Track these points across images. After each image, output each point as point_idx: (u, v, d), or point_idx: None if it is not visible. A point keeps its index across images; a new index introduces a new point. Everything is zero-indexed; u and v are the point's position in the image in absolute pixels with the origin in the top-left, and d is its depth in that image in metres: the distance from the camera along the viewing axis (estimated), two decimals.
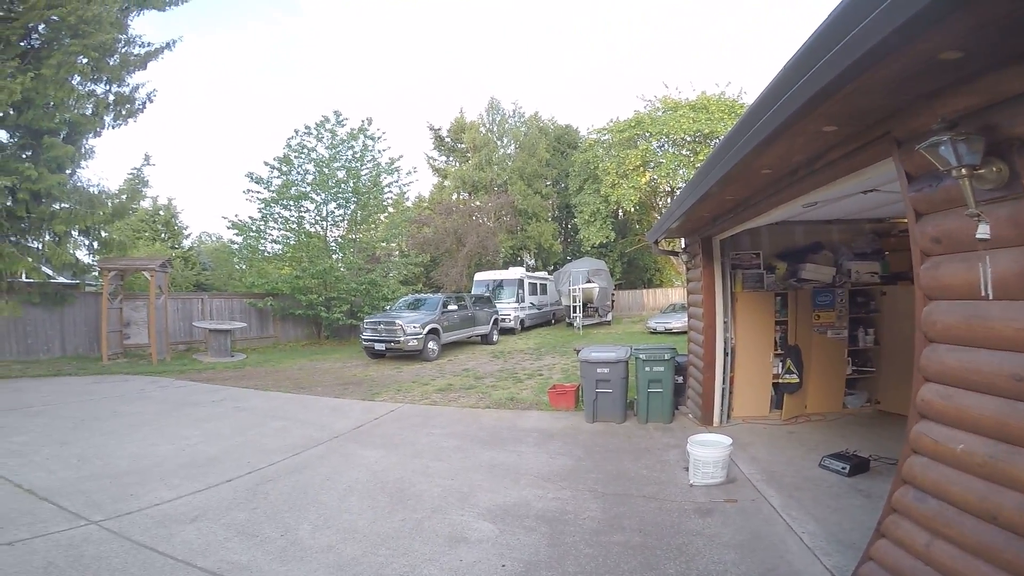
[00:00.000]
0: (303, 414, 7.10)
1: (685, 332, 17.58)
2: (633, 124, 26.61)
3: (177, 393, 8.56)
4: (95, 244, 12.86)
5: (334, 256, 17.79)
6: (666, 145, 26.44)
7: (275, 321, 17.12)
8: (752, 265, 6.35)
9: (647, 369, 6.20)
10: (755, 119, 2.56)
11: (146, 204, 26.06)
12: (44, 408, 7.09)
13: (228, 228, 17.22)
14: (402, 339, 12.23)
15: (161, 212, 28.17)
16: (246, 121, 75.40)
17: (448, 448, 5.47)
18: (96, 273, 12.74)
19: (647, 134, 26.20)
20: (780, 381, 6.13)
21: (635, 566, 3.04)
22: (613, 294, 24.64)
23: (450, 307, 14.47)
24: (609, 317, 23.16)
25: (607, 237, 28.93)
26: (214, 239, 31.21)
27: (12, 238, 11.15)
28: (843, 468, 4.36)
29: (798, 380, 6.05)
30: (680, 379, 6.80)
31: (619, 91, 73.24)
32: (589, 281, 21.04)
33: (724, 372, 6.08)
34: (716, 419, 6.17)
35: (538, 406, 7.46)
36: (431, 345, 12.89)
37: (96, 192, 12.48)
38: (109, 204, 12.47)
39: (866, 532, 3.02)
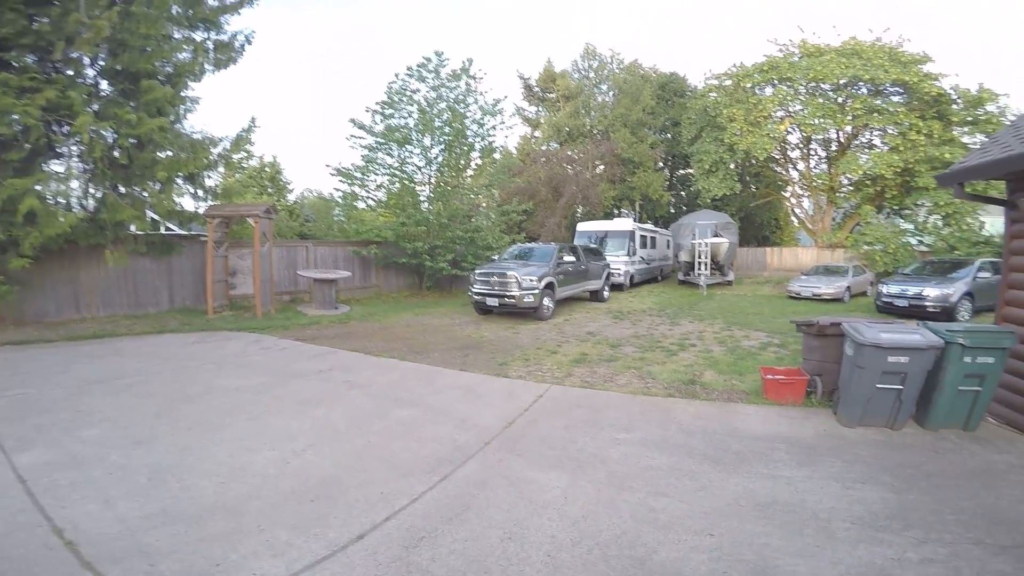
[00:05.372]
0: (431, 397, 5.51)
1: (837, 299, 14.93)
2: (766, 69, 23.49)
3: (280, 358, 7.43)
4: (199, 192, 12.25)
5: (437, 203, 16.41)
6: (805, 92, 23.03)
7: (378, 270, 16.19)
8: None
9: (967, 360, 3.92)
10: None
11: (254, 162, 26.47)
12: (134, 381, 6.03)
13: (332, 175, 16.32)
14: (517, 294, 10.59)
15: (267, 168, 28.64)
16: (339, 80, 76.43)
17: (661, 469, 3.60)
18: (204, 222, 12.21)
19: (780, 79, 23.18)
20: None
21: None
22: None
23: (566, 258, 12.54)
24: (731, 276, 20.30)
25: (731, 189, 25.52)
26: (315, 194, 31.66)
27: (119, 187, 10.64)
28: None
29: None
30: None
31: (725, 39, 65.12)
32: (717, 235, 18.12)
33: None
34: None
35: (746, 397, 5.38)
36: (546, 302, 11.17)
37: (199, 138, 11.75)
38: (212, 151, 11.69)
39: None
